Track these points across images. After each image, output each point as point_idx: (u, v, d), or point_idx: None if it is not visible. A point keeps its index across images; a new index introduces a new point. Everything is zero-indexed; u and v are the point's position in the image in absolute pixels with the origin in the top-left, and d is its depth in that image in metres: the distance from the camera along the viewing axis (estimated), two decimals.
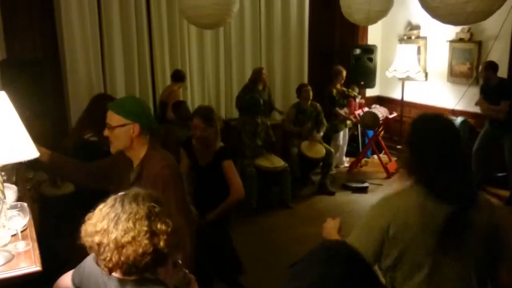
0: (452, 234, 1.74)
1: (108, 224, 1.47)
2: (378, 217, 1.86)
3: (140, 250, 1.43)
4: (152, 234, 1.45)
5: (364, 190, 6.25)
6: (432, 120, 1.89)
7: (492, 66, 5.55)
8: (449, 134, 1.83)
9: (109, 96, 4.42)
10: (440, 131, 1.83)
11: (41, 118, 5.16)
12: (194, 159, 3.51)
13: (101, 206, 1.54)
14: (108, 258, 1.46)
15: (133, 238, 1.44)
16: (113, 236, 1.45)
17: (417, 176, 1.83)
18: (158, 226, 1.47)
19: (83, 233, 1.51)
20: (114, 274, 1.52)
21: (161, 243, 1.45)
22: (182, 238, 1.55)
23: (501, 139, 5.63)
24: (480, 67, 5.71)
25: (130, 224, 1.45)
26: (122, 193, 1.55)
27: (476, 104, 5.85)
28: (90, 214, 1.55)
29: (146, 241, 1.44)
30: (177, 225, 1.53)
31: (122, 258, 1.44)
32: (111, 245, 1.45)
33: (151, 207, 1.49)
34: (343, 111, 6.85)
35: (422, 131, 1.86)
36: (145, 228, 1.45)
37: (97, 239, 1.47)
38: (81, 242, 1.52)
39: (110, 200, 1.54)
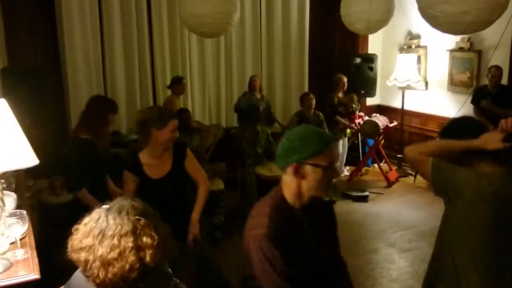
0: None
1: (93, 240, 1.44)
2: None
3: (127, 267, 1.41)
4: (138, 249, 1.43)
5: (364, 199, 6.23)
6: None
7: (501, 71, 5.54)
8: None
9: (104, 97, 4.42)
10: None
11: (42, 126, 5.17)
12: (144, 176, 3.07)
13: (85, 220, 1.51)
14: (95, 275, 1.43)
15: (119, 254, 1.41)
16: (99, 253, 1.42)
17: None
18: (144, 240, 1.44)
19: (69, 248, 1.49)
20: None
21: (147, 258, 1.43)
22: (169, 248, 1.53)
23: None
24: (493, 71, 5.58)
25: (116, 241, 1.42)
26: (107, 206, 1.52)
27: (483, 106, 5.73)
28: (76, 227, 1.51)
29: (132, 257, 1.42)
30: (163, 236, 1.50)
31: (109, 275, 1.42)
32: (97, 263, 1.42)
33: (136, 221, 1.46)
34: (343, 120, 6.85)
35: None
36: (131, 244, 1.42)
37: (83, 256, 1.45)
38: (68, 256, 1.49)
39: (95, 214, 1.50)
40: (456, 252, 2.05)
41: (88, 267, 1.44)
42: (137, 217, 1.47)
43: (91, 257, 1.43)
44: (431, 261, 2.25)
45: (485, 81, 5.95)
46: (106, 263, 1.41)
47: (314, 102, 6.29)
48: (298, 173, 1.80)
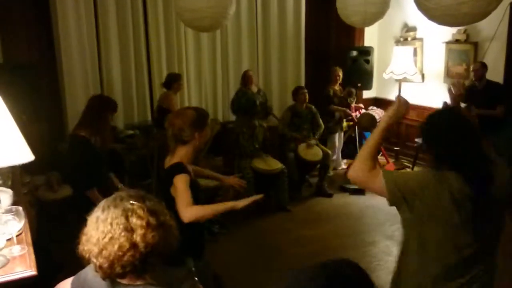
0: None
1: (91, 230, 1.48)
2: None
3: (116, 247, 1.42)
4: (128, 230, 1.45)
5: (361, 192, 6.24)
6: (445, 116, 2.18)
7: (485, 66, 5.59)
8: (463, 124, 2.06)
9: (105, 97, 4.43)
10: (455, 125, 2.05)
11: (38, 122, 5.16)
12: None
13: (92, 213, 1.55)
14: (96, 264, 1.46)
15: (111, 238, 1.44)
16: (94, 239, 1.46)
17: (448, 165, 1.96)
18: (134, 221, 1.45)
19: (80, 242, 1.52)
20: (119, 280, 1.50)
21: (138, 238, 1.44)
22: (168, 236, 1.52)
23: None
24: (474, 66, 5.73)
25: (108, 226, 1.45)
26: (109, 197, 1.55)
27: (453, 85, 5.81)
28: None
29: (122, 239, 1.43)
30: (162, 221, 1.50)
31: (104, 260, 1.44)
32: (95, 250, 1.45)
33: (127, 204, 1.48)
34: (338, 114, 6.85)
35: (440, 127, 2.09)
36: (122, 226, 1.44)
37: (86, 247, 1.48)
38: (78, 251, 1.52)
39: (97, 207, 1.54)
40: (419, 256, 2.03)
41: (88, 256, 1.47)
42: (131, 201, 1.49)
43: (87, 247, 1.47)
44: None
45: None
46: (101, 249, 1.44)
47: (307, 96, 6.28)
48: None
